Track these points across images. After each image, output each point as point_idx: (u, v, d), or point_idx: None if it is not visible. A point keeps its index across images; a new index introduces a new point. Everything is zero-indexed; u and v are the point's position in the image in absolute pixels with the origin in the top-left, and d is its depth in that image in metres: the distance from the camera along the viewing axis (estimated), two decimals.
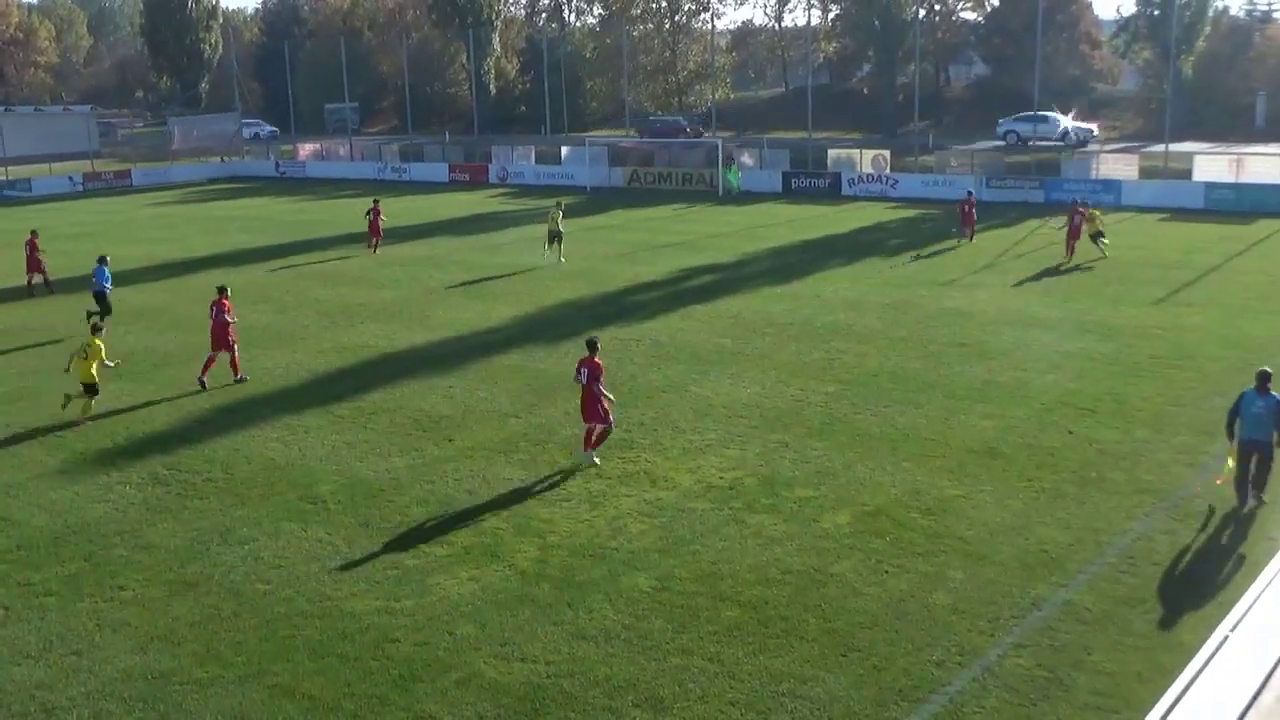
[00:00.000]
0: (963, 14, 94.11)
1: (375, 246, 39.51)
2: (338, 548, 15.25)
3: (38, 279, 33.96)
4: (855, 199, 54.53)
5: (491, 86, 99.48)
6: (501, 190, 63.33)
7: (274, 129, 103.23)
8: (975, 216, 39.61)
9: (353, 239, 42.36)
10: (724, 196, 55.93)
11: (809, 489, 16.79)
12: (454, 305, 30.24)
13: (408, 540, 15.40)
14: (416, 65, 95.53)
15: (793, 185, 57.70)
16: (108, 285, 29.37)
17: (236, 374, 23.46)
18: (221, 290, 23.61)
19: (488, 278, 34.79)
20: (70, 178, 75.81)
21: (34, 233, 34.69)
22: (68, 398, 21.12)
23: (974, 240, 39.15)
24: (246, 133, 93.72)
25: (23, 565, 15.05)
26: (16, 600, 14.05)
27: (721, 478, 17.32)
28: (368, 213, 39.89)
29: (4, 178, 76.11)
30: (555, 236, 36.96)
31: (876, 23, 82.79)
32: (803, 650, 12.28)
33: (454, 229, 47.19)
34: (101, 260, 29.75)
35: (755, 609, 13.18)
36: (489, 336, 27.15)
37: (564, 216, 37.58)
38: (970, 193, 41.79)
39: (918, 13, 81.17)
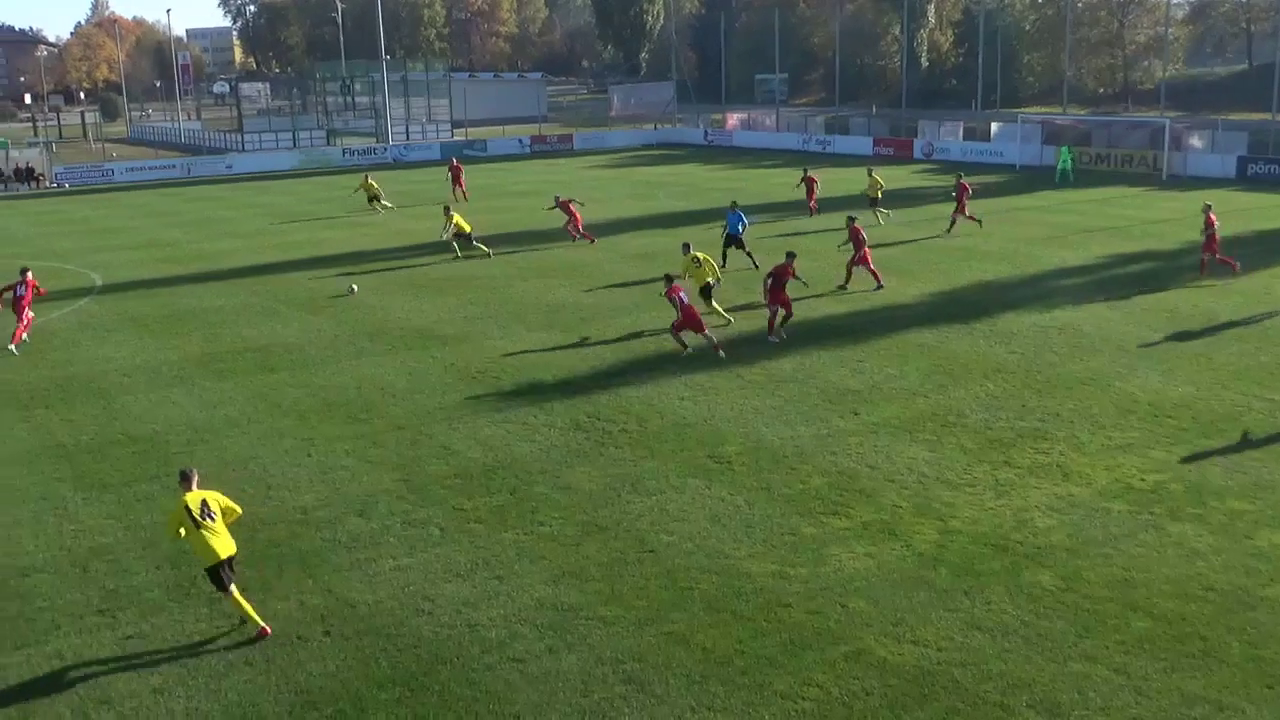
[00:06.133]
0: None
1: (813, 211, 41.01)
2: (739, 508, 15.63)
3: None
4: None
5: (923, 59, 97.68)
6: (925, 165, 62.07)
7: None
8: None
9: (776, 208, 42.99)
10: (1060, 184, 51.86)
11: (1243, 501, 15.39)
12: (866, 279, 30.02)
13: (807, 509, 15.54)
14: (848, 37, 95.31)
15: (1249, 171, 52.72)
16: (741, 229, 31.79)
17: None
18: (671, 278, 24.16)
19: (902, 253, 34.28)
20: (520, 140, 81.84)
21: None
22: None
23: None
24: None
25: (457, 492, 16.51)
26: (451, 523, 15.44)
27: (1142, 480, 16.22)
28: (799, 180, 41.04)
29: (464, 138, 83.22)
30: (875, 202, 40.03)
31: None
32: (1222, 675, 11.31)
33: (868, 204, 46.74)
34: (734, 205, 32.43)
35: (1170, 623, 12.28)
36: (900, 313, 26.77)
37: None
38: None
39: None
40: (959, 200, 37.44)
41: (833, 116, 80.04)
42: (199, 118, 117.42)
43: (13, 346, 25.59)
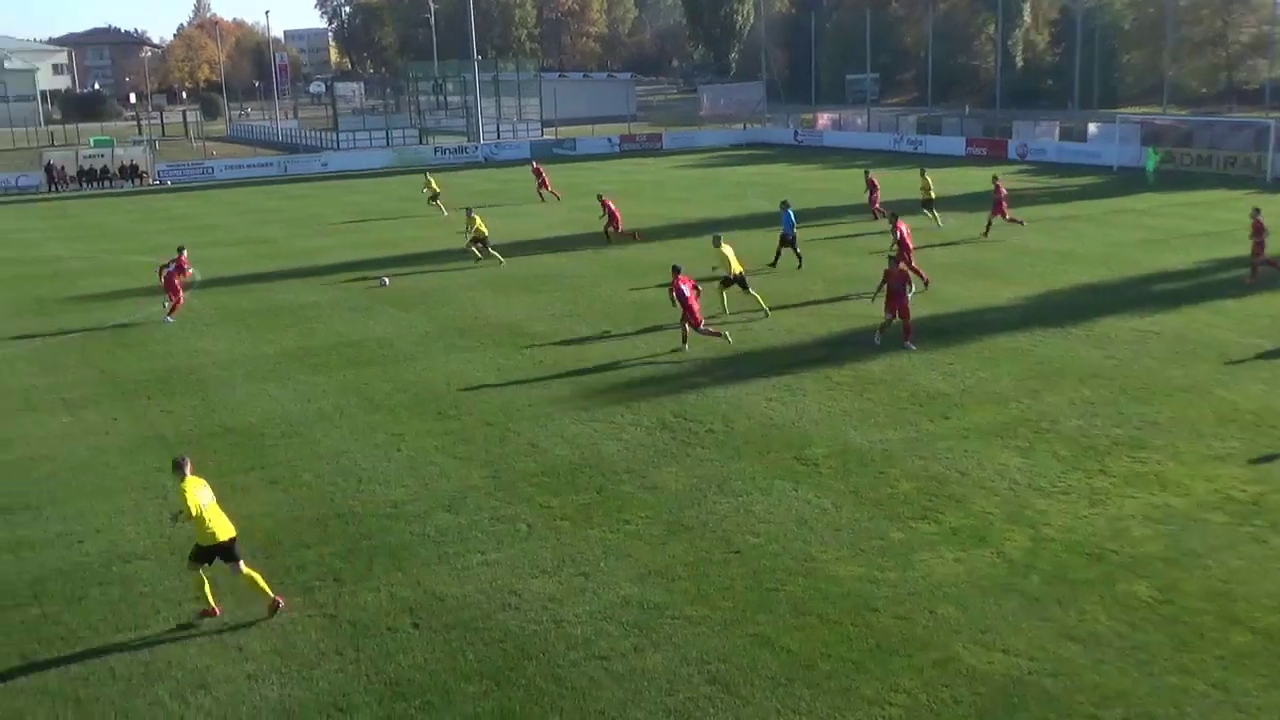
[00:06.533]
0: None
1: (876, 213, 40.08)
2: (825, 510, 15.53)
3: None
4: None
5: (1018, 59, 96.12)
6: (1020, 167, 61.06)
7: None
8: None
9: (862, 209, 42.56)
10: (1153, 184, 50.40)
11: None
12: (959, 282, 29.63)
13: (895, 513, 15.39)
14: (941, 36, 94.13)
15: None
16: (791, 230, 32.05)
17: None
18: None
19: (996, 256, 33.76)
20: (609, 139, 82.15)
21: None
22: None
23: None
24: None
25: (545, 490, 16.63)
26: (538, 520, 15.56)
27: (1243, 491, 15.78)
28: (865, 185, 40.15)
29: (554, 137, 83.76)
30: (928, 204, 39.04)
31: None
32: None
33: (966, 204, 46.07)
34: (785, 205, 32.59)
35: (1271, 638, 11.93)
36: (992, 315, 26.38)
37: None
38: None
39: None
40: (997, 202, 36.60)
41: (924, 116, 79.08)
42: (296, 117, 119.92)
43: (170, 318, 28.64)
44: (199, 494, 12.90)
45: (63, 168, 68.56)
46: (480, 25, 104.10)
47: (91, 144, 76.20)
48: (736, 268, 26.37)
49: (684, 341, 23.86)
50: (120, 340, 26.93)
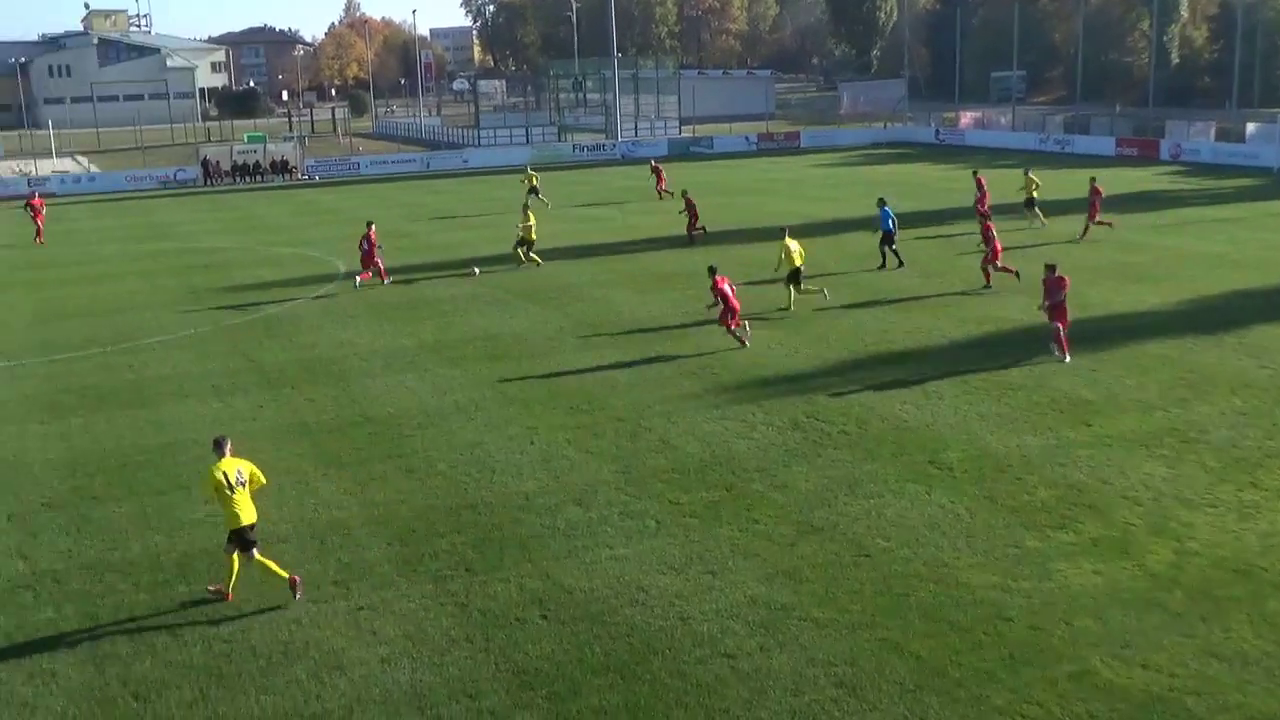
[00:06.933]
0: None
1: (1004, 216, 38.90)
2: (959, 516, 15.23)
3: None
4: None
5: (1173, 56, 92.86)
6: (1173, 168, 58.96)
7: None
8: None
9: (1005, 209, 41.59)
10: None
11: None
12: (1107, 285, 28.76)
13: (1032, 521, 15.01)
14: (1092, 32, 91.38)
15: None
16: (891, 226, 31.97)
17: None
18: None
19: (1146, 259, 32.67)
20: (746, 137, 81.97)
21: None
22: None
23: None
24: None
25: (674, 486, 16.67)
26: (666, 516, 15.60)
27: None
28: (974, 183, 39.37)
29: (692, 135, 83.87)
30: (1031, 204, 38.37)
31: None
32: None
33: (1115, 206, 44.62)
34: (882, 203, 32.54)
35: None
36: (1140, 320, 25.53)
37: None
38: None
39: None
40: (1093, 204, 35.81)
41: (1072, 115, 76.88)
42: (439, 114, 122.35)
43: (358, 282, 32.39)
44: (223, 477, 13.23)
45: (218, 162, 71.29)
46: (621, 23, 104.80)
47: (245, 140, 78.98)
48: (798, 261, 26.89)
49: (742, 337, 24.15)
50: (269, 330, 27.86)
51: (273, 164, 71.97)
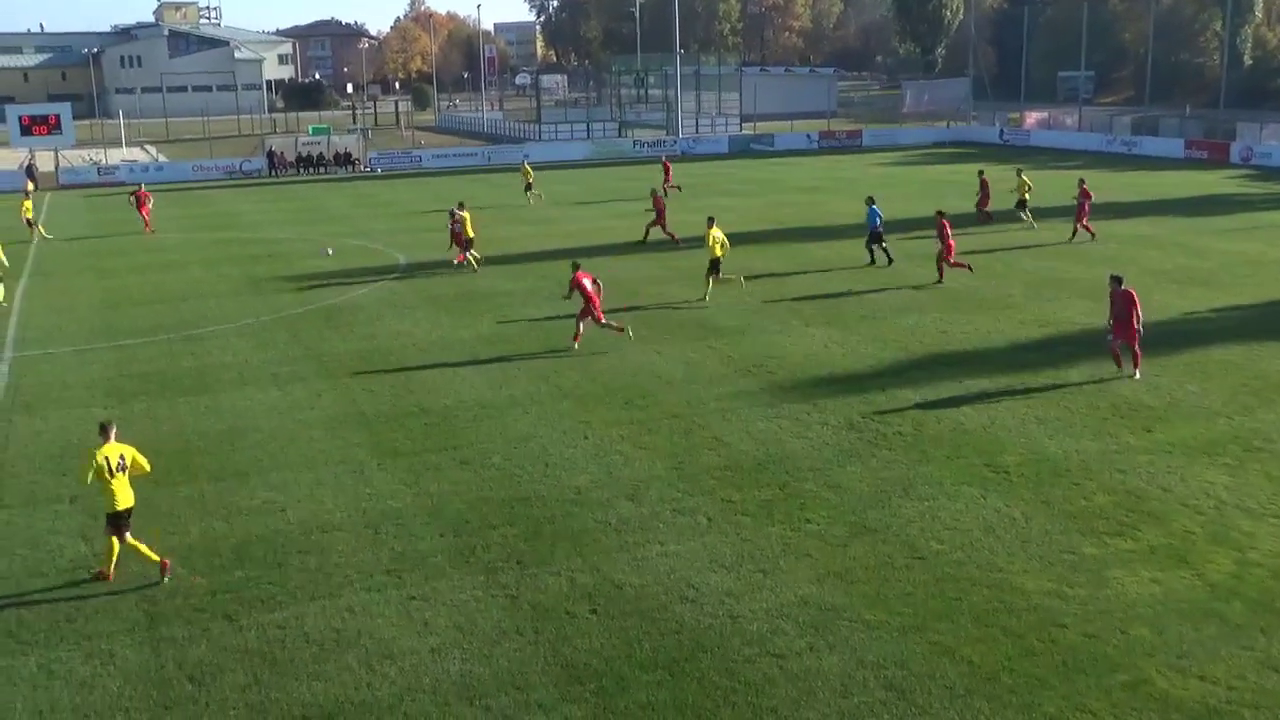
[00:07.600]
0: None
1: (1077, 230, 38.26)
2: (1015, 521, 15.06)
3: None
4: None
5: (1246, 57, 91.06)
6: (1243, 172, 57.87)
7: None
8: None
9: (1058, 212, 41.07)
10: None
11: None
12: (1170, 290, 28.30)
13: (1089, 527, 14.80)
14: (1162, 32, 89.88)
15: None
16: (878, 224, 32.33)
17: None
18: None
19: (1210, 263, 32.09)
20: (808, 135, 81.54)
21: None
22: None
23: None
24: None
25: (727, 484, 16.63)
26: (719, 514, 15.57)
27: None
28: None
29: (753, 132, 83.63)
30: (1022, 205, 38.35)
31: None
32: None
33: (1182, 209, 44.00)
34: (870, 201, 32.84)
35: None
36: (1204, 325, 25.10)
37: None
38: None
39: None
40: (1081, 205, 35.65)
41: (1140, 117, 75.68)
42: (501, 108, 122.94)
43: (458, 261, 34.08)
44: (105, 461, 13.70)
45: (283, 154, 72.15)
46: (684, 19, 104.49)
47: (310, 132, 79.80)
48: (719, 252, 28.06)
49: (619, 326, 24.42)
50: (329, 320, 28.16)
51: (336, 156, 72.67)
